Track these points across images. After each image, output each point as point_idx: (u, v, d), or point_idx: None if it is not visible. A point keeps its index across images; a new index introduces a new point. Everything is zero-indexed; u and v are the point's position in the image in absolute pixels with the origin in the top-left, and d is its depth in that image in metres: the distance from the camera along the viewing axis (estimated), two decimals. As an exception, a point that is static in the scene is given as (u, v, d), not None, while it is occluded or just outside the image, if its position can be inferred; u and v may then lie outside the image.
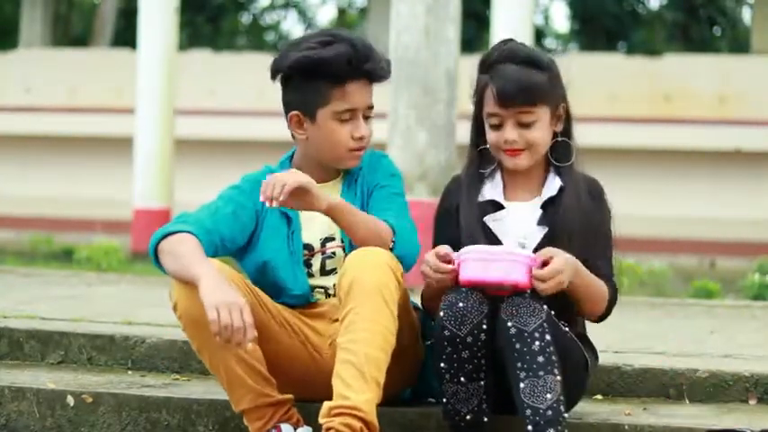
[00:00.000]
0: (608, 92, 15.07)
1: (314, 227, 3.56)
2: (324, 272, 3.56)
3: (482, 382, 3.25)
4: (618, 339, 4.59)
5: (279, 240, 3.52)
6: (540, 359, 3.14)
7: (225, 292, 3.20)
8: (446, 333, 3.22)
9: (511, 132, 3.40)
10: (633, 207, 13.66)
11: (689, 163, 15.25)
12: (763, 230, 14.68)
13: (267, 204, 3.31)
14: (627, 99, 15.29)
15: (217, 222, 3.48)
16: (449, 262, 3.25)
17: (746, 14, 27.83)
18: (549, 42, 30.46)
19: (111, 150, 15.92)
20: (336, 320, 3.37)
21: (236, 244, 3.53)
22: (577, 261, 3.28)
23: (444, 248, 3.28)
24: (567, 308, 3.37)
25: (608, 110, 14.81)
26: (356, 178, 3.58)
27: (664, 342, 4.68)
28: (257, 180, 3.58)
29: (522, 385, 3.14)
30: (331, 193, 3.56)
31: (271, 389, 3.41)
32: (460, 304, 3.22)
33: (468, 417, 3.26)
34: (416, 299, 3.60)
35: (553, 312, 3.23)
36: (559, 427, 3.12)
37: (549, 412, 3.12)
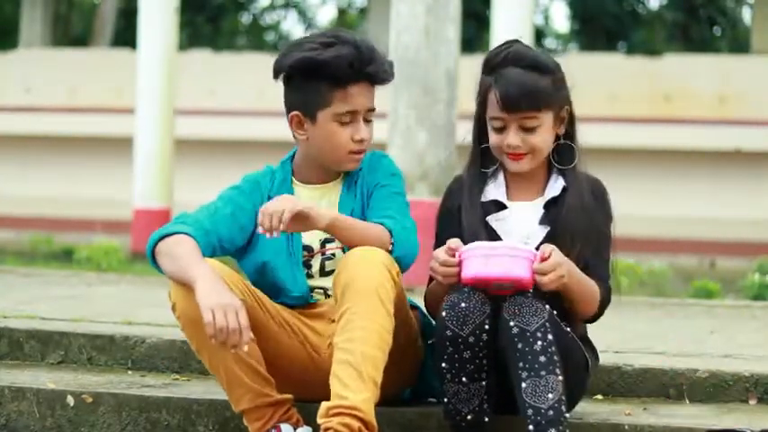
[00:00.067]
0: (608, 92, 15.07)
1: (313, 228, 3.55)
2: (323, 273, 3.56)
3: (483, 383, 3.24)
4: (618, 339, 4.59)
5: (278, 241, 3.51)
6: (542, 359, 3.14)
7: (220, 294, 3.20)
8: (448, 333, 3.22)
9: (514, 137, 3.39)
10: (633, 207, 13.66)
11: (689, 163, 15.25)
12: (763, 230, 14.68)
13: (267, 236, 3.30)
14: (627, 99, 15.30)
15: (216, 223, 3.48)
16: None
17: (746, 14, 27.85)
18: (549, 42, 30.45)
19: (111, 150, 15.92)
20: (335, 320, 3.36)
21: (235, 245, 3.53)
22: (570, 262, 3.28)
23: (455, 241, 3.27)
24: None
25: (608, 110, 14.81)
26: (356, 179, 3.57)
27: (664, 342, 4.68)
28: (257, 180, 3.58)
29: (523, 385, 3.14)
30: (331, 194, 3.56)
31: (270, 389, 3.41)
32: (463, 304, 3.22)
33: (469, 417, 3.26)
34: (416, 298, 3.60)
35: (555, 312, 3.23)
36: (561, 427, 3.12)
37: (551, 412, 3.12)
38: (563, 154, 3.48)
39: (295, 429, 3.42)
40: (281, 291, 3.54)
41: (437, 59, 8.06)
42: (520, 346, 3.15)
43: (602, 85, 14.86)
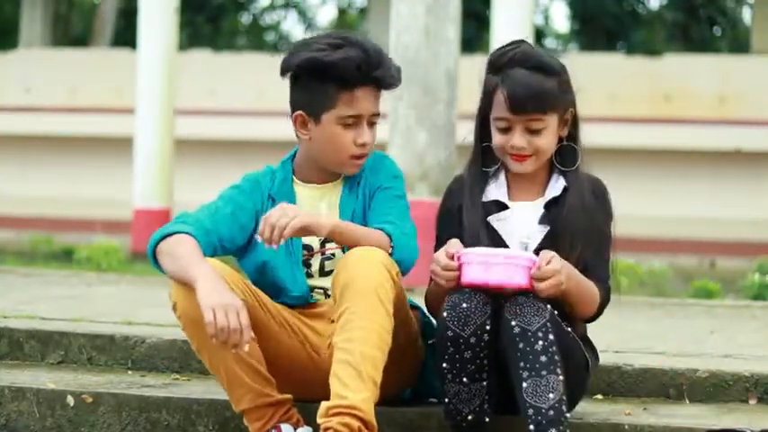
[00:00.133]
0: (608, 92, 15.07)
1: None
2: (323, 273, 3.56)
3: (484, 383, 3.24)
4: (618, 339, 4.59)
5: (278, 241, 3.50)
6: (543, 359, 3.14)
7: (221, 294, 3.20)
8: (449, 333, 3.22)
9: (519, 139, 3.39)
10: (633, 207, 13.66)
11: (689, 163, 15.25)
12: (763, 230, 14.68)
13: (266, 246, 3.30)
14: (627, 99, 15.29)
15: (216, 223, 3.48)
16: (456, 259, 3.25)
17: (746, 14, 27.85)
18: (549, 42, 30.45)
19: (111, 150, 15.92)
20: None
21: (236, 244, 3.53)
22: (570, 266, 3.28)
23: (455, 244, 3.27)
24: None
25: (608, 110, 14.80)
26: (359, 180, 3.56)
27: (664, 342, 4.68)
28: (257, 180, 3.58)
29: (524, 385, 3.14)
30: (331, 194, 3.56)
31: (270, 389, 3.41)
32: (464, 305, 3.22)
33: (469, 417, 3.26)
34: (416, 298, 3.60)
35: (556, 312, 3.23)
36: (561, 427, 3.12)
37: (552, 412, 3.12)
38: (565, 155, 3.47)
39: (295, 429, 3.42)
40: (280, 290, 3.54)
41: (437, 59, 8.06)
42: (521, 345, 3.15)
43: (602, 85, 14.86)
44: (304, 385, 3.50)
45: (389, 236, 3.41)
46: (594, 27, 27.56)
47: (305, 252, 3.55)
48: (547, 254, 3.23)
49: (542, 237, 3.40)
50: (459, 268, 3.23)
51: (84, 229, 14.44)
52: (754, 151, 15.02)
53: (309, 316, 3.54)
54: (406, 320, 3.45)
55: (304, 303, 3.55)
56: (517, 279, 3.19)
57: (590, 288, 3.36)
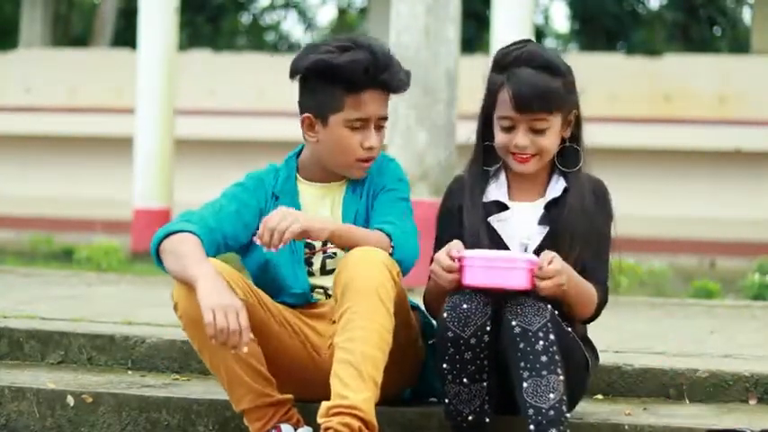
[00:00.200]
0: (608, 92, 15.06)
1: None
2: (324, 271, 3.56)
3: (485, 383, 3.24)
4: (618, 339, 4.59)
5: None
6: (544, 359, 3.14)
7: (221, 295, 3.20)
8: (449, 334, 3.22)
9: (523, 138, 3.38)
10: (633, 207, 13.66)
11: (689, 163, 15.24)
12: (763, 230, 14.68)
13: (265, 249, 3.32)
14: (627, 99, 15.29)
15: (220, 221, 3.48)
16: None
17: (746, 14, 27.85)
18: (549, 42, 30.44)
19: (111, 150, 15.92)
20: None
21: (239, 242, 3.53)
22: (570, 267, 3.28)
23: (456, 246, 3.27)
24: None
25: (608, 110, 14.79)
26: (363, 181, 3.56)
27: (664, 342, 4.68)
28: (261, 178, 3.59)
29: (525, 385, 3.14)
30: (335, 194, 3.56)
31: (271, 389, 3.41)
32: (464, 306, 3.22)
33: (470, 417, 3.26)
34: (416, 299, 3.60)
35: (556, 312, 3.23)
36: (561, 427, 3.12)
37: (552, 412, 3.12)
38: (567, 156, 3.47)
39: (295, 429, 3.42)
40: (282, 288, 3.54)
41: (437, 59, 8.06)
42: (522, 345, 3.15)
43: (603, 85, 14.85)
44: (304, 385, 3.50)
45: (389, 236, 3.41)
46: (594, 27, 27.57)
47: (307, 250, 3.55)
48: (548, 254, 3.23)
49: (542, 237, 3.40)
50: (460, 270, 3.23)
51: (84, 229, 14.44)
52: (754, 151, 15.01)
53: (310, 316, 3.55)
54: (407, 321, 3.45)
55: (305, 303, 3.56)
56: (518, 281, 3.19)
57: (588, 289, 3.36)
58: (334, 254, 3.54)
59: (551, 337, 3.16)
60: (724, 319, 5.80)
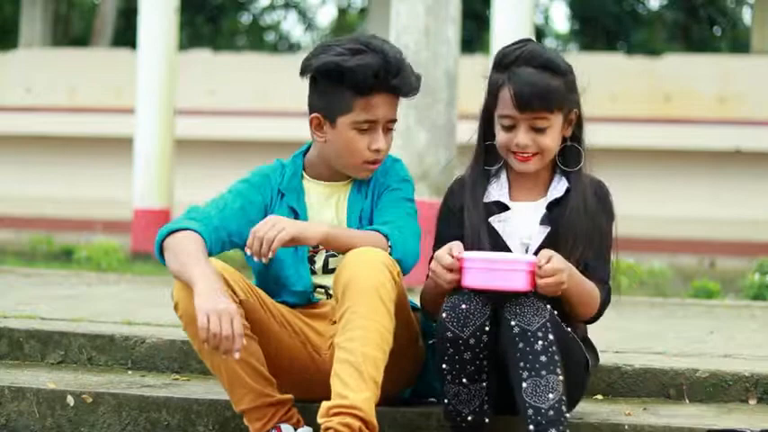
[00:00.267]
0: (608, 92, 15.07)
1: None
2: (326, 270, 3.56)
3: (484, 384, 3.24)
4: (618, 339, 4.59)
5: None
6: (543, 359, 3.14)
7: (217, 299, 3.19)
8: (448, 335, 3.22)
9: (524, 137, 3.38)
10: (633, 207, 13.66)
11: (689, 163, 15.24)
12: (763, 230, 14.68)
13: (255, 259, 3.32)
14: (627, 99, 15.29)
15: (225, 218, 3.48)
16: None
17: (746, 14, 27.85)
18: (549, 42, 30.45)
19: (111, 150, 15.92)
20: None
21: (244, 239, 3.52)
22: (571, 266, 3.28)
23: (457, 247, 3.27)
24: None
25: (608, 110, 14.79)
26: (368, 180, 3.56)
27: (664, 342, 4.68)
28: (267, 174, 3.59)
29: (524, 385, 3.14)
30: (340, 192, 3.56)
31: (271, 389, 3.41)
32: (463, 306, 3.22)
33: (469, 418, 3.26)
34: (416, 299, 3.60)
35: (556, 312, 3.23)
36: (561, 428, 3.12)
37: (551, 412, 3.12)
38: (568, 156, 3.47)
39: (296, 430, 3.42)
40: (284, 285, 3.54)
41: (437, 59, 8.06)
42: (521, 345, 3.15)
43: (603, 85, 14.84)
44: (305, 385, 3.51)
45: (386, 236, 3.41)
46: (594, 27, 27.58)
47: (310, 248, 3.55)
48: (546, 252, 3.23)
49: (543, 237, 3.40)
50: (460, 271, 3.23)
51: (84, 229, 14.44)
52: (754, 151, 15.01)
53: (311, 316, 3.55)
54: (408, 321, 3.45)
55: (306, 302, 3.56)
56: (518, 283, 3.19)
57: (590, 289, 3.36)
58: (337, 253, 3.54)
59: (550, 336, 3.16)
60: (724, 319, 5.80)
